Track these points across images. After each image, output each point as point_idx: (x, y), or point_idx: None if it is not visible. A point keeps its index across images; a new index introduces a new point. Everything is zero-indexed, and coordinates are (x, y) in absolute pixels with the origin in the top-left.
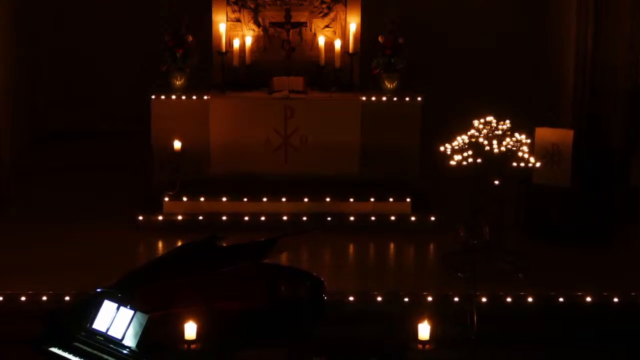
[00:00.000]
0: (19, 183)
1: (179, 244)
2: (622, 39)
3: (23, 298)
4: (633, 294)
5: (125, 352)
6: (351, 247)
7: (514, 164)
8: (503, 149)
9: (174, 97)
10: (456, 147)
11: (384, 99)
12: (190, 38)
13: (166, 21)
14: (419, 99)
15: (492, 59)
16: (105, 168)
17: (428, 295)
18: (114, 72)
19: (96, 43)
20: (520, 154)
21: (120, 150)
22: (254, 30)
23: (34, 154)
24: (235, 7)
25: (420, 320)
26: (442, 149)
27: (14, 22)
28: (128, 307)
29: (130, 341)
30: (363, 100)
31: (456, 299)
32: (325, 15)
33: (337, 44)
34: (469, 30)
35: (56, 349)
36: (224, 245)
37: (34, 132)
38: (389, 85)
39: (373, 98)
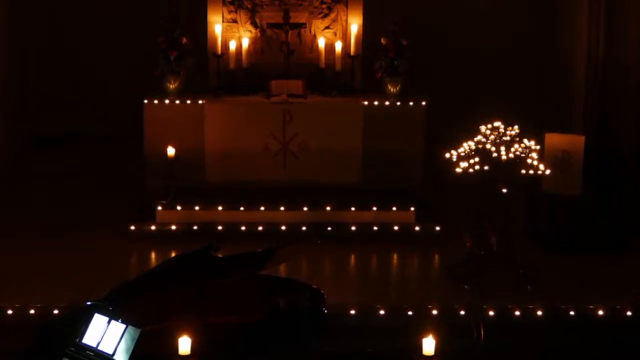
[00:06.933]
0: (6, 189)
1: (173, 254)
2: (634, 38)
3: (10, 311)
4: None
5: None
6: (352, 257)
7: (523, 171)
8: (511, 155)
9: (167, 101)
10: (462, 154)
11: (387, 103)
12: (185, 40)
13: (165, 21)
14: (423, 103)
15: (494, 60)
16: (96, 174)
17: (433, 308)
18: (109, 76)
19: (92, 46)
20: (529, 160)
21: (114, 156)
22: (251, 31)
23: (24, 160)
24: (232, 8)
25: (424, 334)
26: (447, 155)
27: (5, 24)
28: (119, 320)
29: (121, 356)
30: (365, 105)
31: (462, 312)
32: (326, 16)
33: (338, 46)
34: (469, 31)
35: None
36: (221, 255)
37: (25, 138)
38: (391, 89)
39: (375, 102)
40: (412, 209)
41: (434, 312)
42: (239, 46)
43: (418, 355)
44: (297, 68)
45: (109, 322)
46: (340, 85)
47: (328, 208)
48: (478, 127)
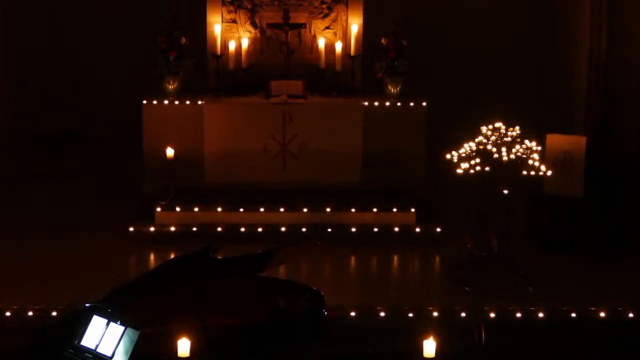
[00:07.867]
0: (6, 189)
1: (172, 255)
2: (635, 40)
3: (8, 313)
4: None
5: None
6: (352, 259)
7: (524, 172)
8: (512, 156)
9: (166, 102)
10: (463, 155)
11: (387, 104)
12: (185, 40)
13: (165, 21)
14: (424, 104)
15: (494, 60)
16: (96, 174)
17: (433, 310)
18: (109, 76)
19: (92, 46)
20: (530, 161)
21: (114, 156)
22: (250, 31)
23: (24, 160)
24: (231, 8)
25: (425, 336)
26: (448, 156)
27: (4, 24)
28: (118, 322)
29: (120, 358)
30: (365, 105)
31: (463, 314)
32: (326, 16)
33: (338, 46)
34: (469, 31)
35: None
36: (220, 257)
37: (25, 138)
38: (392, 90)
39: (376, 103)
40: (413, 210)
41: (435, 313)
42: (239, 46)
43: (419, 357)
44: (297, 68)
45: (107, 324)
46: (341, 86)
47: (328, 209)
48: (479, 128)
